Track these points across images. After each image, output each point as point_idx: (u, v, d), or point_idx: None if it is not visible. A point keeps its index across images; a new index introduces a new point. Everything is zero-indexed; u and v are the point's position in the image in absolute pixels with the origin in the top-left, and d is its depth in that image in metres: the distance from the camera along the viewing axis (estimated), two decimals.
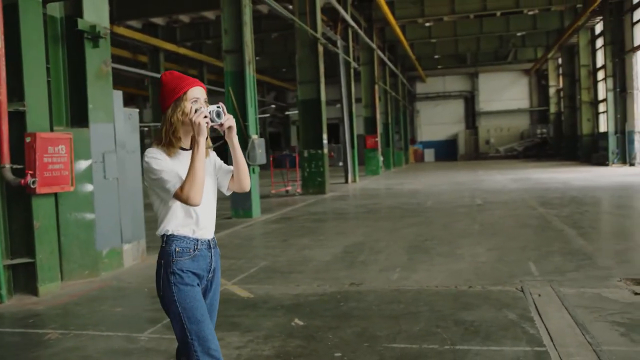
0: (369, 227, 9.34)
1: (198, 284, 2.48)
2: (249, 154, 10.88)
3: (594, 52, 27.24)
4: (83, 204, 6.18)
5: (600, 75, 26.61)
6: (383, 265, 6.31)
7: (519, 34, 30.13)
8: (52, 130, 5.85)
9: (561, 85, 34.87)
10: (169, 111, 2.50)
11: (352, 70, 20.81)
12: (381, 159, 26.12)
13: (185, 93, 2.49)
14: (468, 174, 23.00)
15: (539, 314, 4.29)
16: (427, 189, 16.51)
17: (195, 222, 2.52)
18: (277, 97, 42.87)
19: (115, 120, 6.64)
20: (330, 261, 6.67)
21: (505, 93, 40.69)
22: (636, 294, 4.71)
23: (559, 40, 27.87)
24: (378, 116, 25.51)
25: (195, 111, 2.48)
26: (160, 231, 2.49)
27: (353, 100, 20.49)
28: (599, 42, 26.72)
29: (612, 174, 18.61)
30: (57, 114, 6.21)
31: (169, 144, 2.51)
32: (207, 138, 2.47)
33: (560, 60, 34.79)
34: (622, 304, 4.46)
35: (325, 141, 16.25)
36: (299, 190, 16.20)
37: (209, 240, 2.53)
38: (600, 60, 26.70)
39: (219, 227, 9.29)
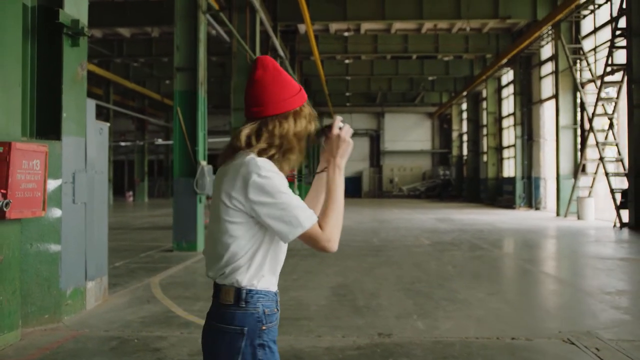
0: (337, 265, 8.71)
1: None
2: (197, 182, 9.94)
3: (499, 100, 28.80)
4: (49, 233, 5.06)
5: (506, 122, 28.14)
6: (393, 311, 5.71)
7: (430, 78, 31.29)
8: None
9: (464, 129, 36.54)
10: (287, 123, 1.86)
11: None
12: (297, 192, 25.64)
13: (307, 102, 1.92)
14: (386, 211, 23.08)
15: None
16: (358, 226, 16.17)
17: (278, 271, 1.89)
18: None
19: (87, 134, 5.60)
20: (330, 305, 5.97)
21: (410, 134, 42.02)
22: None
23: (468, 87, 29.23)
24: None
25: (340, 128, 1.94)
26: (236, 282, 1.78)
27: None
28: (505, 91, 28.33)
29: (526, 217, 19.36)
30: (21, 121, 5.09)
31: (280, 165, 1.86)
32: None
33: (463, 106, 36.53)
34: None
35: None
36: None
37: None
38: (506, 108, 28.27)
39: (165, 261, 8.22)
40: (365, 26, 23.80)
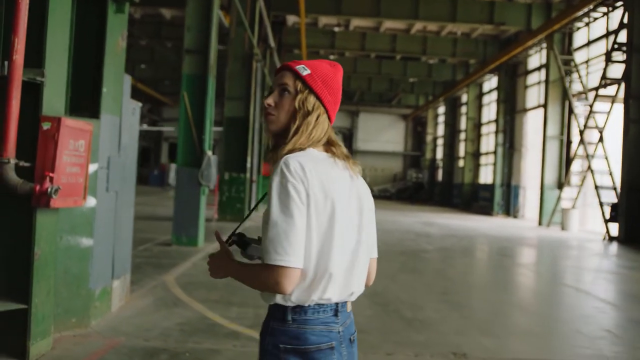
0: None
1: None
2: (202, 173, 9.30)
3: (480, 106, 28.82)
4: (81, 225, 4.41)
5: (485, 129, 28.18)
6: (448, 326, 5.27)
7: (411, 79, 31.12)
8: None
9: (439, 133, 36.57)
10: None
11: (265, 93, 19.68)
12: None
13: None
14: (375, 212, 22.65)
15: None
16: None
17: None
18: (152, 109, 40.07)
19: (123, 114, 4.95)
20: (377, 316, 5.49)
21: (383, 135, 41.85)
22: None
23: (449, 91, 29.17)
24: None
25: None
26: (277, 299, 1.63)
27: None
28: (487, 98, 28.37)
29: (508, 225, 19.31)
30: None
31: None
32: None
33: (439, 110, 36.55)
34: None
35: (249, 164, 14.89)
36: (215, 215, 14.54)
37: None
38: (486, 115, 28.31)
39: (167, 256, 7.57)
40: (355, 23, 23.38)
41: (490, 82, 27.61)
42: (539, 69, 22.09)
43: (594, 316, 6.02)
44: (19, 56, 3.43)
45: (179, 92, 12.51)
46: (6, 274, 3.67)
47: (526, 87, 23.37)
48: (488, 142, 27.66)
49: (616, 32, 15.67)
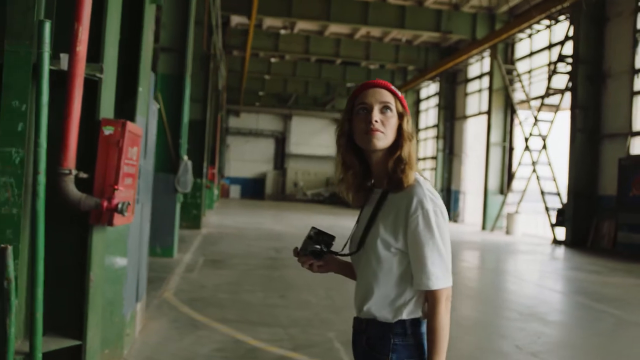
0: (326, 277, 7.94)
1: None
2: (179, 180, 8.72)
3: (418, 112, 29.35)
4: (116, 243, 3.86)
5: (423, 134, 28.72)
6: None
7: (349, 84, 31.21)
8: None
9: None
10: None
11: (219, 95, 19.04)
12: (216, 192, 24.31)
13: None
14: (315, 217, 22.44)
15: None
16: (301, 232, 15.36)
17: None
18: None
19: (149, 115, 4.43)
20: None
21: (315, 138, 41.77)
22: None
23: None
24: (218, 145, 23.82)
25: None
26: (404, 315, 1.67)
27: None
28: (424, 104, 28.93)
29: (452, 229, 19.67)
30: None
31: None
32: None
33: None
34: None
35: (205, 169, 14.25)
36: None
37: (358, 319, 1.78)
38: (423, 121, 28.86)
39: (149, 269, 6.97)
40: (300, 26, 23.10)
41: (429, 89, 28.17)
42: (479, 77, 22.73)
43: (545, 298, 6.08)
44: (82, 48, 2.92)
45: None
46: (57, 303, 3.11)
47: (466, 94, 23.98)
48: (426, 147, 28.19)
49: (562, 44, 16.32)
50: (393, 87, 1.74)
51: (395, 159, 1.69)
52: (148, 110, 4.39)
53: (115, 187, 3.01)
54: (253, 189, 41.08)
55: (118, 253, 3.89)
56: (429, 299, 1.61)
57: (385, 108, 1.70)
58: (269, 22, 22.89)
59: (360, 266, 1.75)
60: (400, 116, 1.72)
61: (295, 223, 18.27)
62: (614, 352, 5.11)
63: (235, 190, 40.86)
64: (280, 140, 42.00)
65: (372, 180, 1.82)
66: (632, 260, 12.13)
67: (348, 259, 1.85)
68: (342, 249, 1.84)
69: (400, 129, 1.71)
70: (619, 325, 6.20)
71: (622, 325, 6.19)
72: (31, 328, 2.81)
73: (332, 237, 1.80)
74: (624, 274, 10.16)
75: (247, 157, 41.40)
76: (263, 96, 36.51)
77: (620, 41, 14.69)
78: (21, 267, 2.84)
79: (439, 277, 1.59)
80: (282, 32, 23.23)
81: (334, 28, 23.01)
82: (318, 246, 1.79)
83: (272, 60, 27.26)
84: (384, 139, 1.68)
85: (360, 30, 22.87)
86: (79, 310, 3.16)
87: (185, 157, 8.92)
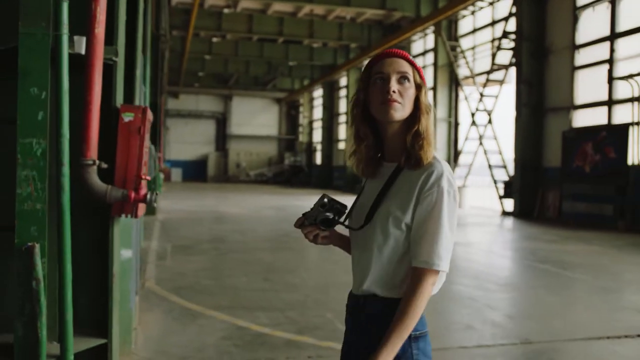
0: (301, 257, 7.97)
1: None
2: None
3: None
4: (123, 235, 3.70)
5: None
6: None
7: (291, 63, 30.97)
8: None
9: (315, 116, 36.96)
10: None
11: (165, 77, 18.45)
12: (162, 176, 23.67)
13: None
14: (265, 197, 22.30)
15: None
16: (258, 214, 15.30)
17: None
18: None
19: (141, 98, 4.24)
20: None
21: (257, 119, 41.38)
22: None
23: (329, 75, 29.50)
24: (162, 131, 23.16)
25: None
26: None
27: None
28: None
29: None
30: None
31: None
32: None
33: (315, 94, 36.90)
34: None
35: (157, 154, 13.84)
36: None
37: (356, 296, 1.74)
38: None
39: None
40: (243, 4, 22.63)
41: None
42: (423, 54, 23.05)
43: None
44: (100, 29, 2.76)
45: None
46: (79, 301, 2.95)
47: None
48: None
49: (505, 21, 16.76)
50: (411, 57, 1.68)
51: (413, 134, 1.62)
52: (140, 96, 4.19)
53: (142, 176, 2.86)
54: (195, 172, 40.36)
55: (126, 245, 3.73)
56: (417, 277, 1.55)
57: (403, 78, 1.63)
58: (211, 0, 22.31)
59: (362, 241, 1.68)
60: (418, 87, 1.65)
61: (247, 205, 18.12)
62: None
63: (176, 174, 39.96)
64: (221, 121, 41.34)
65: (381, 153, 1.74)
66: (578, 228, 12.76)
67: (345, 232, 1.78)
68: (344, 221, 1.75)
69: (417, 101, 1.65)
70: (592, 290, 6.52)
71: (596, 291, 6.52)
72: (60, 330, 2.66)
73: (345, 206, 1.71)
74: (576, 241, 10.67)
75: (187, 140, 40.53)
76: (203, 77, 35.68)
77: (561, 18, 15.23)
78: (48, 266, 2.67)
79: (442, 259, 1.56)
80: (226, 10, 22.70)
81: (278, 6, 22.69)
82: (330, 214, 1.69)
83: (214, 40, 26.65)
84: (401, 109, 1.62)
85: (304, 8, 22.64)
86: (100, 308, 3.02)
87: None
